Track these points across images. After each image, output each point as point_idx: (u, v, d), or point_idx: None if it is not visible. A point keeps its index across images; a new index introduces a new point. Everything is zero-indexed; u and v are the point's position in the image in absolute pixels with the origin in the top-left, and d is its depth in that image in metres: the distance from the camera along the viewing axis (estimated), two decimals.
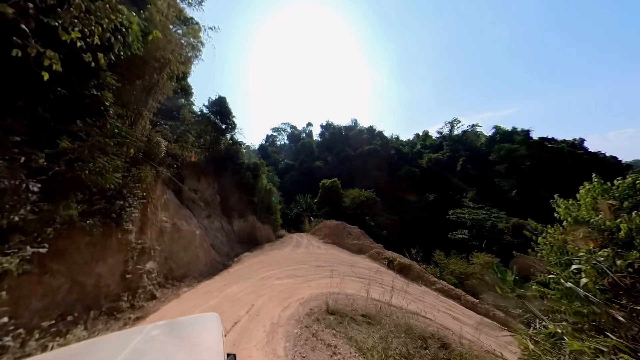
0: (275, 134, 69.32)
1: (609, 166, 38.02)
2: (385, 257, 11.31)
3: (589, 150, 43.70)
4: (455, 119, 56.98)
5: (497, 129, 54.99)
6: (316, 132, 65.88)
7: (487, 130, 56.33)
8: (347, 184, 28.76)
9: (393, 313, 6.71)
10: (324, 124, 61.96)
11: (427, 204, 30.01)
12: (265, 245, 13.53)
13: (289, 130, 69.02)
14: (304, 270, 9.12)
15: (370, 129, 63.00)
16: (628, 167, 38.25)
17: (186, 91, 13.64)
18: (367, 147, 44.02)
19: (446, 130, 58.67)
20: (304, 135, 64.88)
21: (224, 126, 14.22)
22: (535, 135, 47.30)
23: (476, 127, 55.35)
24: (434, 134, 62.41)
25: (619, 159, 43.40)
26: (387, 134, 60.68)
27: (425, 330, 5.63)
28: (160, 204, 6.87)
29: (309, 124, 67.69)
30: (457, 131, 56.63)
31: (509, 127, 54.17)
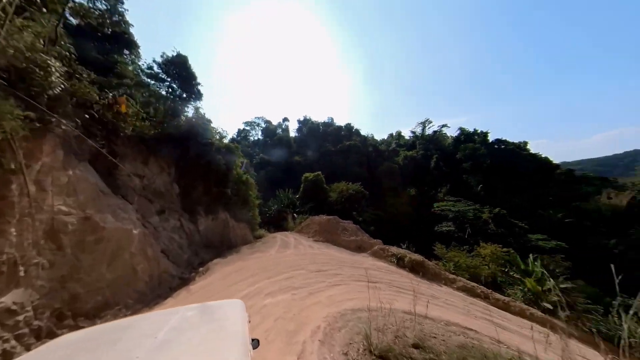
0: (248, 128, 64.16)
1: (544, 165, 44.13)
2: (392, 254, 9.63)
3: (531, 151, 50.35)
4: (427, 120, 60.14)
5: (462, 130, 59.93)
6: (293, 127, 63.00)
7: (452, 132, 60.98)
8: (328, 179, 26.94)
9: (437, 331, 4.86)
10: (302, 119, 59.46)
11: (410, 198, 30.11)
12: (243, 248, 10.63)
13: (263, 124, 64.58)
14: (303, 278, 6.74)
15: (348, 127, 62.73)
16: (557, 166, 44.96)
17: (128, 44, 9.93)
18: (347, 142, 43.09)
19: (419, 130, 61.62)
20: (279, 130, 61.29)
21: (185, 94, 10.84)
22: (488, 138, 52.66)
23: (445, 127, 59.31)
24: (406, 135, 65.23)
25: (556, 160, 50.98)
26: (363, 132, 61.17)
27: (499, 356, 3.83)
28: (51, 181, 3.78)
29: (285, 119, 64.35)
30: (429, 131, 59.95)
31: (471, 129, 59.65)
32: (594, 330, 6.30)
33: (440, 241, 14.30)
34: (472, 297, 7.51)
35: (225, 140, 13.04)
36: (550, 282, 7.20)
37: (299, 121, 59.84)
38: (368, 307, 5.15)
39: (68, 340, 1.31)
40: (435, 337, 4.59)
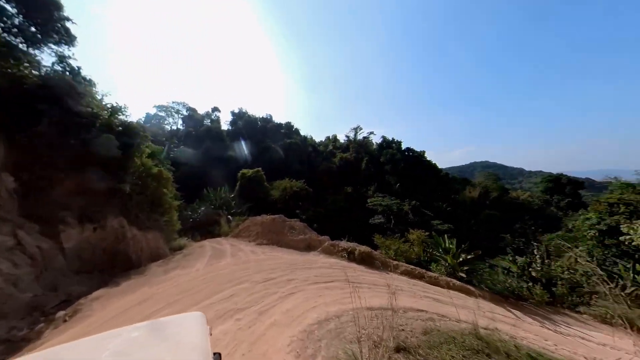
0: (162, 114, 51.21)
1: (434, 169, 58.74)
2: (342, 249, 9.41)
3: (427, 159, 66.37)
4: (358, 126, 67.93)
5: (384, 138, 71.64)
6: (225, 119, 55.51)
7: (377, 139, 71.51)
8: (268, 176, 25.00)
9: (401, 321, 4.70)
10: (236, 111, 53.26)
11: (346, 195, 32.42)
12: (152, 267, 7.55)
13: (185, 112, 53.34)
14: (247, 294, 5.20)
15: (288, 125, 61.62)
16: (441, 171, 61.32)
17: None
18: (288, 140, 41.91)
19: (352, 135, 68.54)
20: (208, 121, 52.38)
21: (37, 30, 6.57)
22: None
23: (372, 134, 68.55)
24: (341, 139, 71.10)
25: (439, 166, 69.20)
26: (302, 133, 61.93)
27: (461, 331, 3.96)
28: None
29: (215, 109, 55.77)
30: (360, 137, 67.62)
31: (390, 138, 72.12)
32: (492, 288, 8.29)
33: (373, 232, 15.69)
34: (413, 279, 8.24)
35: (126, 118, 9.07)
36: (463, 256, 8.96)
37: (233, 113, 53.35)
38: (326, 315, 4.39)
39: None
40: (403, 330, 4.35)
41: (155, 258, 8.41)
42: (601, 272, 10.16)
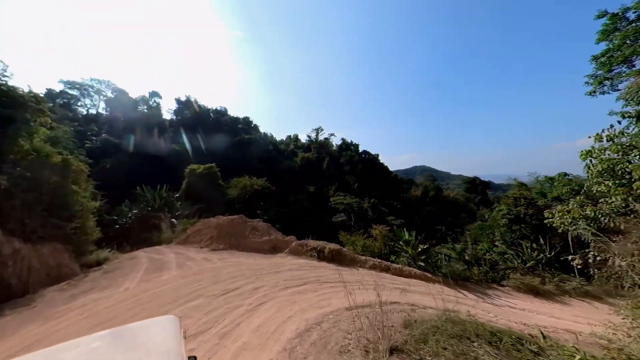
0: (74, 92, 39.89)
1: (386, 171, 64.96)
2: (311, 248, 8.89)
3: (381, 161, 73.04)
4: (320, 127, 69.05)
5: (343, 140, 75.04)
6: (168, 107, 47.39)
7: (337, 141, 74.32)
8: (223, 174, 22.33)
9: (380, 317, 4.55)
10: (183, 99, 46.10)
11: (309, 194, 32.13)
12: (49, 293, 5.28)
13: (110, 93, 43.06)
14: (203, 314, 4.11)
15: (247, 120, 57.40)
16: (391, 172, 68.47)
17: None
18: (247, 136, 38.79)
19: (313, 136, 69.08)
20: (144, 107, 43.57)
21: None
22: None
23: (332, 136, 70.67)
24: (302, 139, 70.89)
25: (390, 169, 77.14)
26: (262, 130, 58.79)
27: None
28: None
29: (155, 94, 47.01)
30: (321, 137, 68.78)
31: (349, 140, 75.98)
32: (445, 272, 9.31)
33: (336, 230, 15.87)
34: (380, 272, 8.44)
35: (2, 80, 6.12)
36: (420, 246, 9.77)
37: (179, 101, 46.01)
38: (306, 324, 3.86)
39: None
40: (385, 326, 4.18)
41: (56, 280, 5.99)
42: (510, 252, 12.63)
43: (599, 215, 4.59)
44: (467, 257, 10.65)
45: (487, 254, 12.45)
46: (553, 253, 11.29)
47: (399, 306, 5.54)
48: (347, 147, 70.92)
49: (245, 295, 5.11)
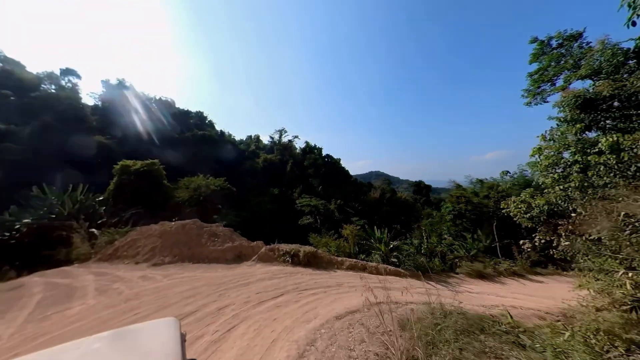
0: None
1: (347, 174, 67.94)
2: (284, 253, 7.87)
3: (342, 165, 76.04)
4: (283, 129, 67.03)
5: (307, 143, 74.95)
6: (90, 89, 37.91)
7: (300, 144, 73.82)
8: (170, 173, 18.72)
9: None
10: (114, 82, 37.59)
11: (273, 197, 30.25)
12: None
13: None
14: None
15: (200, 115, 51.09)
16: (352, 176, 72.17)
17: None
18: (200, 132, 34.26)
19: (277, 137, 66.66)
20: (51, 86, 33.49)
21: None
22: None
23: (296, 138, 69.63)
24: (265, 139, 67.73)
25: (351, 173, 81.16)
26: (218, 128, 53.35)
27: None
28: None
29: (70, 72, 36.90)
30: (285, 139, 67.00)
31: (312, 144, 76.43)
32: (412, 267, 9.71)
33: (304, 233, 15.21)
34: (357, 272, 8.13)
35: None
36: (392, 243, 10.00)
37: (107, 84, 37.29)
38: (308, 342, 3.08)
39: None
40: (384, 333, 3.74)
41: None
42: (457, 243, 14.33)
43: (547, 204, 5.23)
44: (423, 251, 11.49)
45: (438, 246, 13.85)
46: (488, 242, 13.32)
47: (385, 306, 5.24)
48: (311, 150, 71.30)
49: (208, 320, 3.88)
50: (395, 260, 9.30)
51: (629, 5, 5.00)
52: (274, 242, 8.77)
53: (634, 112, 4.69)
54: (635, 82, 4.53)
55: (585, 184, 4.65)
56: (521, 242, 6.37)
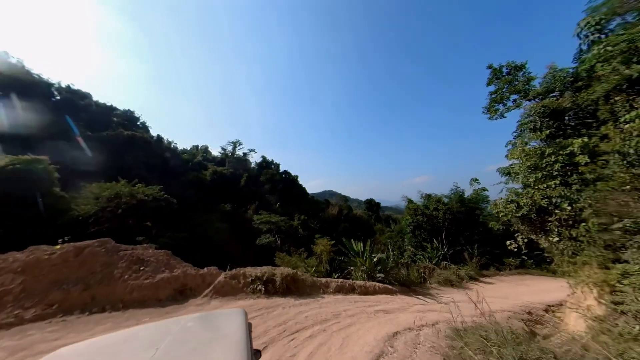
0: None
1: (304, 192, 66.78)
2: (253, 279, 5.63)
3: (300, 182, 74.94)
4: (238, 141, 61.89)
5: (264, 157, 71.07)
6: None
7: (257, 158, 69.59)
8: (79, 178, 13.08)
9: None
10: None
11: (225, 214, 25.54)
12: None
13: None
14: None
15: (128, 114, 41.67)
16: (308, 194, 71.47)
17: None
18: (126, 132, 27.23)
19: (230, 149, 60.69)
20: None
21: None
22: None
23: (252, 152, 65.15)
24: (215, 151, 60.74)
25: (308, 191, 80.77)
26: (154, 132, 44.43)
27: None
28: None
29: None
30: (239, 152, 61.70)
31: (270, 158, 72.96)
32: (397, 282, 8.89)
33: (263, 254, 12.89)
34: (347, 295, 6.66)
35: None
36: (375, 256, 9.05)
37: None
38: None
39: (65, 354, 1.17)
40: None
41: None
42: (420, 253, 14.76)
43: (530, 204, 5.34)
44: (391, 264, 11.10)
45: (401, 258, 13.91)
46: (445, 249, 14.12)
47: (406, 336, 4.00)
48: (268, 165, 68.05)
49: None
50: (381, 275, 8.31)
51: (577, 36, 6.25)
52: (229, 268, 6.32)
53: (589, 121, 5.34)
54: (585, 97, 5.25)
55: (569, 181, 4.84)
56: (507, 242, 6.39)
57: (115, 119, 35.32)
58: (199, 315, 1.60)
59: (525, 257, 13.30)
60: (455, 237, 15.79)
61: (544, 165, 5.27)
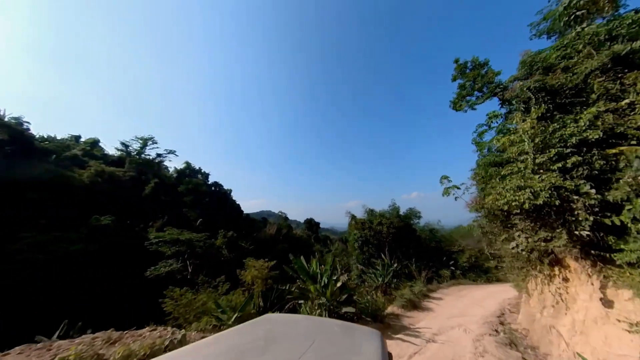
0: None
1: (239, 209, 58.27)
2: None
3: (234, 199, 65.42)
4: (151, 138, 48.06)
5: (188, 164, 57.95)
6: None
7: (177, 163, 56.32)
8: None
9: None
10: None
11: (96, 230, 16.31)
12: None
13: None
14: None
15: None
16: (243, 212, 62.83)
17: None
18: None
19: (135, 146, 46.07)
20: None
21: None
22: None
23: (171, 154, 51.86)
24: (109, 147, 44.81)
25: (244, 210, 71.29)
26: None
27: None
28: None
29: None
30: (151, 152, 47.91)
31: (196, 166, 60.25)
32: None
33: (157, 290, 8.30)
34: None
35: None
36: (339, 280, 6.48)
37: None
38: None
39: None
40: None
41: None
42: (370, 272, 13.27)
43: (551, 188, 4.30)
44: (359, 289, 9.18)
45: (349, 280, 12.26)
46: (395, 265, 13.51)
47: None
48: (193, 173, 56.34)
49: None
50: (349, 308, 5.80)
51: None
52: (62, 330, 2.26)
53: (577, 100, 4.96)
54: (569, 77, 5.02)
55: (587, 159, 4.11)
56: (511, 245, 5.25)
57: None
58: (341, 322, 1.82)
59: (454, 268, 14.52)
60: (395, 251, 15.71)
61: (556, 140, 4.53)
